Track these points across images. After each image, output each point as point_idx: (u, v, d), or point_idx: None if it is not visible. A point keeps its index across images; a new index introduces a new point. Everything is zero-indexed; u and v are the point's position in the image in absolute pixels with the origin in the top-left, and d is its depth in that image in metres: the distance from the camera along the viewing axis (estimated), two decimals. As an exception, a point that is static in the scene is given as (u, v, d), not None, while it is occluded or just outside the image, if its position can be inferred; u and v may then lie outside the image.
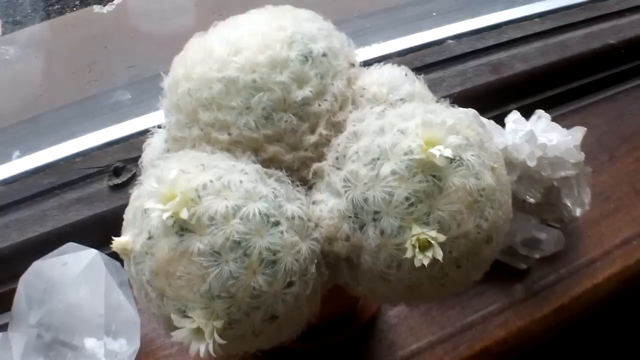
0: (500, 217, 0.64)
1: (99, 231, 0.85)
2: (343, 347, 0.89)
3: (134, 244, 0.59)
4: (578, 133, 1.02)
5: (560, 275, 1.03)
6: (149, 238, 0.57)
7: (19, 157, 1.05)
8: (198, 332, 0.56)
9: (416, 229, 0.57)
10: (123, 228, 0.64)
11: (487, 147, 0.64)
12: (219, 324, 0.55)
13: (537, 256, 1.01)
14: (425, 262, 0.56)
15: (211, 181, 0.57)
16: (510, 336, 0.96)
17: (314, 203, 0.61)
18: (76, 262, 0.75)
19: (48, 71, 1.71)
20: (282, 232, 0.56)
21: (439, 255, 0.56)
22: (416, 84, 0.70)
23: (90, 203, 0.93)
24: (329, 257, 0.61)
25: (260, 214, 0.56)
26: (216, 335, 0.55)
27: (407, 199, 0.57)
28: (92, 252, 0.76)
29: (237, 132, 0.61)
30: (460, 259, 0.60)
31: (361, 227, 0.59)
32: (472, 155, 0.61)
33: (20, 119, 1.22)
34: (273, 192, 0.58)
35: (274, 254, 0.56)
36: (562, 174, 1.02)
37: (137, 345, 0.79)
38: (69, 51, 1.72)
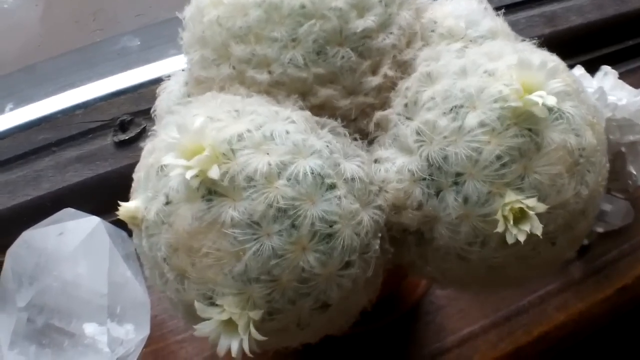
0: (599, 184, 0.52)
1: (102, 195, 0.72)
2: (386, 333, 0.78)
3: (146, 210, 0.46)
4: (650, 93, 0.88)
5: (623, 251, 0.91)
6: (167, 203, 0.45)
7: (12, 109, 0.92)
8: (229, 324, 0.44)
9: (510, 196, 0.44)
10: (132, 191, 0.51)
11: (583, 98, 0.51)
12: (256, 314, 0.43)
13: (600, 230, 0.89)
14: (521, 238, 0.43)
15: (249, 131, 0.44)
16: (570, 320, 0.85)
17: (376, 162, 0.49)
18: (74, 231, 0.62)
19: (49, 20, 1.57)
20: (339, 198, 0.44)
21: (538, 229, 0.44)
22: (497, 20, 0.56)
23: (91, 162, 0.80)
24: (394, 231, 0.49)
25: (312, 173, 0.43)
26: (252, 329, 0.43)
27: (498, 157, 0.45)
28: (94, 220, 0.63)
29: (280, 71, 0.48)
30: (556, 234, 0.48)
31: (437, 193, 0.46)
32: (571, 107, 0.49)
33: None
34: (327, 146, 0.45)
35: (330, 226, 0.43)
36: (631, 138, 0.90)
37: (146, 331, 0.67)
38: (71, -1, 1.59)
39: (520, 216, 0.45)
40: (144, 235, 0.47)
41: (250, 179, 0.43)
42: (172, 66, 0.88)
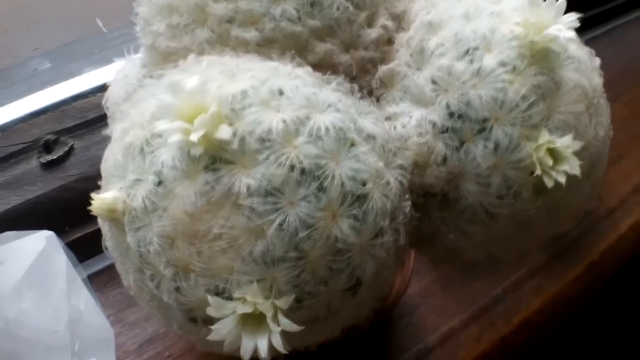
0: (609, 127, 0.50)
1: (34, 222, 0.62)
2: (363, 343, 0.71)
3: (129, 198, 0.38)
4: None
5: (584, 228, 0.91)
6: (158, 184, 0.37)
7: None
8: (251, 320, 0.36)
9: (545, 136, 0.41)
10: (103, 185, 0.43)
11: (580, 43, 0.49)
12: (284, 302, 0.36)
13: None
14: (562, 179, 0.40)
15: (253, 87, 0.37)
16: (546, 303, 0.83)
17: (388, 119, 0.43)
18: (18, 256, 0.51)
19: None
20: (365, 154, 0.38)
21: (576, 168, 0.40)
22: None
23: (18, 187, 0.69)
24: (415, 195, 0.43)
25: (334, 128, 0.37)
26: (284, 319, 0.36)
27: (524, 98, 0.41)
28: (43, 236, 0.52)
29: (271, 26, 0.42)
30: (582, 177, 0.45)
31: (461, 144, 0.42)
32: (577, 49, 0.46)
33: None
34: (340, 101, 0.40)
35: (363, 185, 0.37)
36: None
37: (112, 366, 0.56)
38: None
39: (553, 159, 0.41)
40: (128, 229, 0.39)
41: (263, 139, 0.36)
42: (90, 82, 0.81)
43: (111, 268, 0.78)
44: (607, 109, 0.50)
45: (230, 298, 0.37)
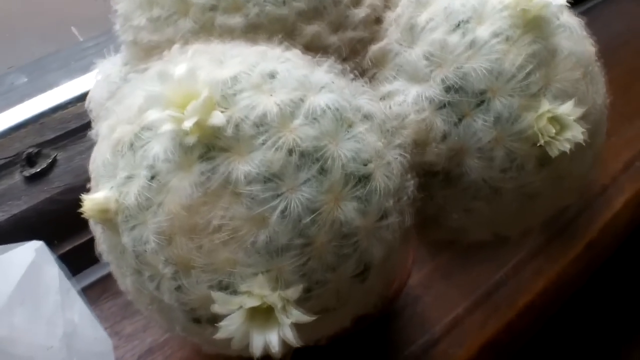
0: (605, 95, 0.49)
1: (21, 237, 0.60)
2: (368, 338, 0.70)
3: (121, 197, 0.37)
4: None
5: (579, 207, 0.90)
6: (152, 178, 0.35)
7: None
8: (258, 314, 0.35)
9: (545, 105, 0.40)
10: (92, 187, 0.41)
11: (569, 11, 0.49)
12: (293, 292, 0.34)
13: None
14: (566, 147, 0.39)
15: (244, 72, 0.36)
16: (549, 284, 0.82)
17: (382, 99, 0.42)
18: (5, 271, 0.49)
19: None
20: (363, 134, 0.37)
21: (579, 136, 0.39)
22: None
23: (2, 203, 0.67)
24: (416, 174, 0.42)
25: (330, 108, 0.36)
26: (294, 310, 0.34)
27: (520, 68, 0.40)
28: (32, 247, 0.50)
29: (256, 11, 0.41)
30: (584, 147, 0.44)
31: (460, 119, 0.41)
32: (567, 17, 0.46)
33: None
34: (333, 82, 0.38)
35: (365, 165, 0.36)
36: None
37: (112, 380, 0.54)
38: None
39: (555, 127, 0.40)
40: (123, 229, 0.37)
41: (258, 124, 0.35)
42: (69, 92, 0.79)
43: (104, 280, 0.77)
44: (601, 77, 0.49)
45: (235, 293, 0.35)
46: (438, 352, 0.72)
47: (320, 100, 0.36)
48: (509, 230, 0.47)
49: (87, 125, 0.77)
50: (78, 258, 0.65)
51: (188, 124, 0.32)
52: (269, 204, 0.34)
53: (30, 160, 0.71)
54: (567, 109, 0.40)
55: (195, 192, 0.34)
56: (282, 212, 0.34)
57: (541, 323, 0.82)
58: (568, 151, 0.39)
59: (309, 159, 0.34)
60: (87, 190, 0.63)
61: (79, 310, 0.53)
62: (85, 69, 0.82)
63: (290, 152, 0.34)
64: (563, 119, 0.39)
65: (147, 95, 0.34)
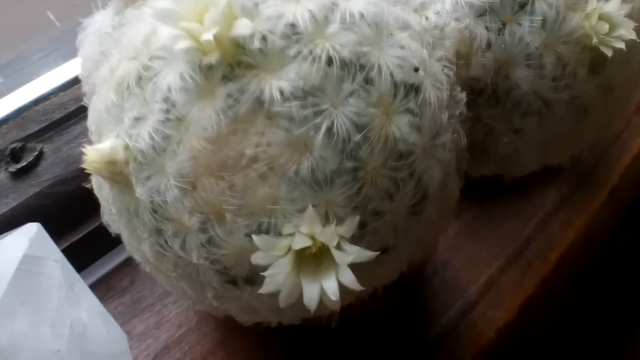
0: None
1: (14, 236, 0.54)
2: (400, 308, 0.65)
3: (131, 142, 0.31)
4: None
5: (597, 156, 0.86)
6: (167, 112, 0.30)
7: None
8: (306, 262, 0.29)
9: (593, 3, 0.35)
10: (94, 140, 0.35)
11: None
12: (348, 226, 0.29)
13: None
14: (620, 45, 0.35)
15: (262, -21, 0.31)
16: (579, 235, 0.77)
17: (416, 11, 0.37)
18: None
19: None
20: (407, 40, 0.31)
21: (631, 32, 0.35)
22: None
23: (-12, 201, 0.61)
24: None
25: (369, 12, 0.31)
26: (351, 248, 0.29)
27: (566, -39, 0.35)
28: (25, 233, 0.43)
29: None
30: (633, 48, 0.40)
31: (504, 25, 0.36)
32: None
33: None
34: (363, -11, 0.33)
35: (415, 71, 0.31)
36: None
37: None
38: None
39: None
40: (136, 181, 0.32)
41: (289, 34, 0.29)
42: (50, 83, 0.74)
43: (107, 278, 0.70)
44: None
45: (279, 236, 0.30)
46: (477, 315, 0.67)
47: (355, 4, 0.31)
48: (559, 154, 0.42)
49: (73, 115, 0.72)
50: (77, 256, 0.59)
51: (207, 36, 0.27)
52: (312, 122, 0.29)
53: (15, 156, 0.65)
54: (616, 5, 0.35)
55: (223, 120, 0.29)
56: (328, 130, 0.29)
57: (575, 278, 0.78)
58: (624, 48, 0.34)
59: (352, 68, 0.29)
60: (80, 180, 0.57)
61: (88, 306, 0.46)
62: (65, 57, 0.77)
63: (329, 61, 0.29)
64: (613, 16, 0.35)
65: (155, 14, 0.28)
